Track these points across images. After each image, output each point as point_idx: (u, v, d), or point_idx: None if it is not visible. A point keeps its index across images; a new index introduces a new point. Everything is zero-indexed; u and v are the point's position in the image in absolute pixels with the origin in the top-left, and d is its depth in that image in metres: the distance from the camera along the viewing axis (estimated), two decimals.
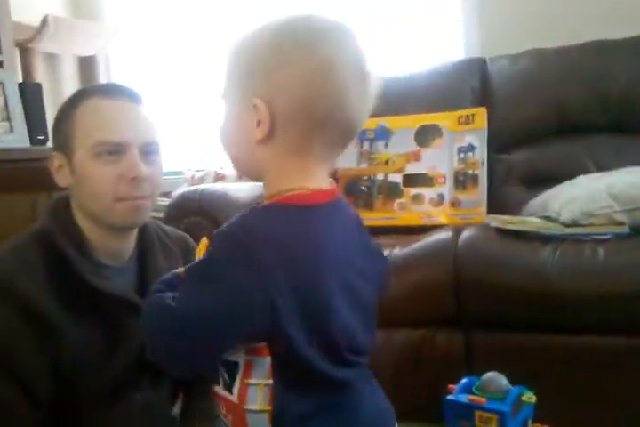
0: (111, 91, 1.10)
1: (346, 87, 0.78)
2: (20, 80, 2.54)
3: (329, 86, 0.77)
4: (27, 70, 2.81)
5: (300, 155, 0.80)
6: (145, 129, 1.10)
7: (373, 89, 0.82)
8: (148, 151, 1.10)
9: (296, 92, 0.77)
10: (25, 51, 2.80)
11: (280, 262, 0.73)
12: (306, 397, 0.76)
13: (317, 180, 0.82)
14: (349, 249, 0.82)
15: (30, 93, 2.37)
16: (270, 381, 0.76)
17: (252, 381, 0.77)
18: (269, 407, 0.76)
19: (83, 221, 1.11)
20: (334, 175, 2.26)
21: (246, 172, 0.88)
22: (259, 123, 0.78)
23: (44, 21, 2.69)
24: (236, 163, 0.87)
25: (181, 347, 0.74)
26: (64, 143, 1.09)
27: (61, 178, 1.11)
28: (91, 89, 1.13)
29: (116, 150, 1.05)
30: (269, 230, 0.75)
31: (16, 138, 2.27)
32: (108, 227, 1.10)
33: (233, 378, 0.78)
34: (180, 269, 0.87)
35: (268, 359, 0.76)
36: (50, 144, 2.38)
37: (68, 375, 1.05)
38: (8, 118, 2.27)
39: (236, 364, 0.78)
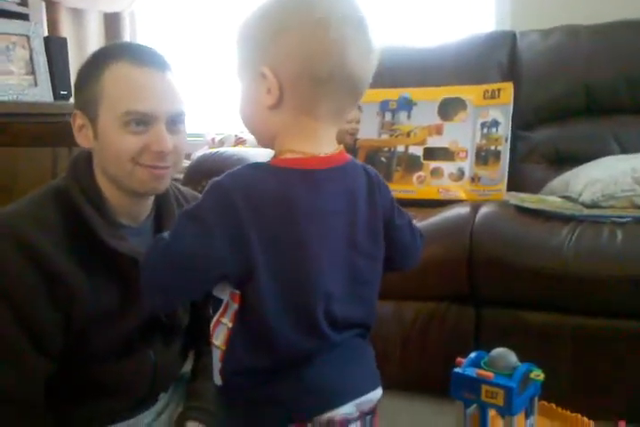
0: (141, 57, 1.06)
1: (345, 44, 0.80)
2: (46, 34, 2.52)
3: (326, 45, 0.79)
4: (52, 25, 2.80)
5: (308, 116, 0.83)
6: (174, 100, 1.07)
7: (375, 43, 0.83)
8: (175, 121, 1.08)
9: (297, 55, 0.80)
10: (51, 5, 2.78)
11: (253, 217, 0.79)
12: (255, 360, 0.83)
13: (322, 144, 0.85)
14: (342, 217, 0.86)
15: (55, 48, 2.36)
16: (231, 324, 0.83)
17: (223, 320, 0.84)
18: (224, 347, 0.84)
19: (102, 181, 1.10)
20: (353, 146, 2.25)
21: (263, 140, 0.90)
22: (269, 90, 0.82)
23: None
24: (255, 133, 0.91)
25: (164, 275, 0.82)
26: (88, 105, 1.06)
27: (83, 139, 1.10)
28: (119, 51, 1.08)
29: (143, 121, 1.04)
30: (248, 184, 0.81)
31: (39, 92, 2.27)
32: (128, 191, 1.10)
33: (214, 313, 0.86)
34: None
35: (236, 306, 0.83)
36: (73, 100, 2.38)
37: (79, 331, 1.06)
38: (32, 72, 2.27)
39: (220, 302, 0.85)
